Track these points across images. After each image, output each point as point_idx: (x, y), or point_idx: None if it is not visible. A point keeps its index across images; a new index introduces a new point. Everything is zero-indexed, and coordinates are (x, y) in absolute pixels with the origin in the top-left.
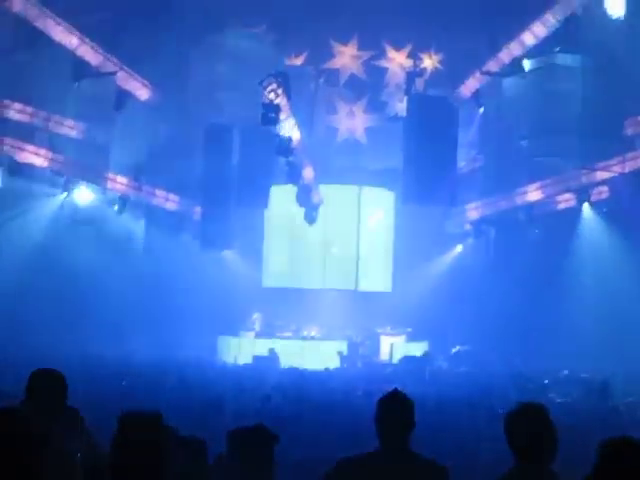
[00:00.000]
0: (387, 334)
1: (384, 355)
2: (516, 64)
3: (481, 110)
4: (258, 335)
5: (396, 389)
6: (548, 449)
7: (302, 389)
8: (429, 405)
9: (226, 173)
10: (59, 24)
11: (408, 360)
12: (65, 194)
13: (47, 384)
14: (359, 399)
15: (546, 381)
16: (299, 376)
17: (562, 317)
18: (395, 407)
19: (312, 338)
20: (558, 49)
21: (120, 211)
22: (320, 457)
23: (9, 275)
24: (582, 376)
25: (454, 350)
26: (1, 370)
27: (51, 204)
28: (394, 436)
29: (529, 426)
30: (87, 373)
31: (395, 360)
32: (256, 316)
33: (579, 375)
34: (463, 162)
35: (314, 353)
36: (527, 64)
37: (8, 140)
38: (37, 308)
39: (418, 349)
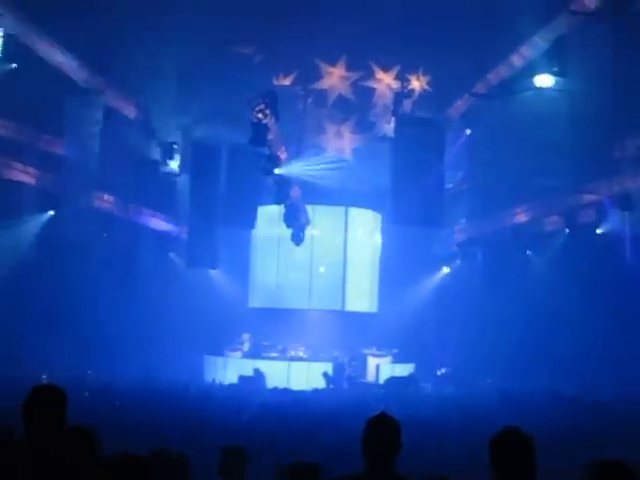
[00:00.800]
0: (374, 355)
1: (371, 376)
2: (504, 86)
3: (468, 132)
4: (245, 355)
5: (383, 411)
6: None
7: (287, 409)
8: (416, 427)
9: (213, 192)
10: (47, 42)
11: (394, 381)
12: (52, 212)
13: (48, 401)
14: (344, 420)
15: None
16: (284, 396)
17: (546, 337)
18: (382, 429)
19: (299, 359)
20: (547, 71)
21: (108, 230)
22: None
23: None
24: (570, 395)
25: (440, 372)
26: None
27: (39, 222)
28: (381, 458)
29: (511, 452)
30: (73, 394)
31: (381, 381)
32: (246, 337)
33: (567, 394)
34: (450, 184)
35: (300, 374)
36: (515, 86)
37: None
38: (25, 328)
39: (404, 370)
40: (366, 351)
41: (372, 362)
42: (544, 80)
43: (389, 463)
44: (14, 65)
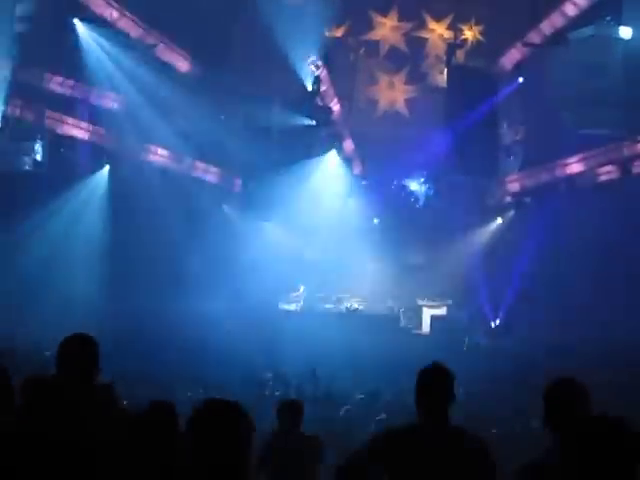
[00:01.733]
0: (428, 306)
1: (425, 327)
2: (558, 35)
3: (521, 80)
4: (301, 307)
5: (435, 362)
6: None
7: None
8: (470, 378)
9: (266, 144)
10: None
11: (447, 332)
12: (107, 167)
13: (79, 350)
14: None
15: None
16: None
17: (602, 289)
18: (435, 379)
19: (355, 310)
20: (601, 20)
21: (162, 182)
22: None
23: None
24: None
25: (494, 325)
26: None
27: (94, 177)
28: (434, 408)
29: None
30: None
31: (435, 332)
32: (301, 288)
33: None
34: (504, 134)
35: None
36: (570, 36)
37: (49, 113)
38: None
39: (457, 322)
40: (420, 302)
41: (427, 313)
42: (599, 29)
43: (442, 413)
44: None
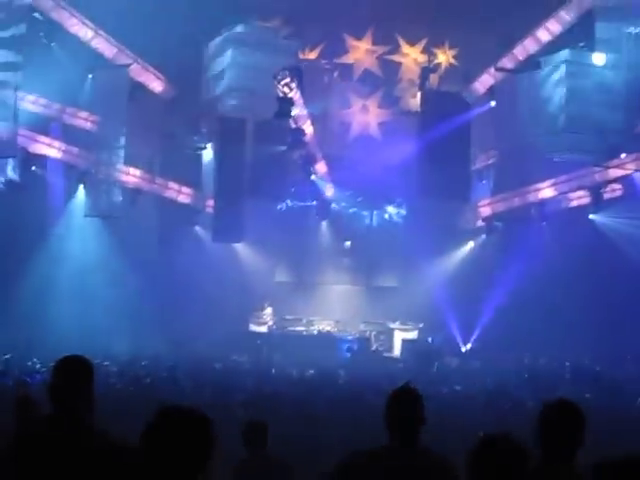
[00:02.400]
0: (400, 329)
1: (397, 350)
2: (531, 61)
3: (493, 104)
4: (271, 329)
5: (406, 383)
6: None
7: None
8: (441, 400)
9: (239, 166)
10: (74, 16)
11: (419, 356)
12: (81, 186)
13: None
14: (368, 394)
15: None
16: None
17: (570, 312)
18: (405, 401)
19: (327, 333)
20: (574, 46)
21: (133, 204)
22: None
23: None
24: (593, 371)
25: (465, 349)
26: None
27: (65, 196)
28: (404, 430)
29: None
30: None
31: (406, 356)
32: (268, 310)
33: (589, 370)
34: (476, 158)
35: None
36: (542, 61)
37: (22, 131)
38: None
39: (429, 345)
40: (392, 325)
41: (398, 336)
42: (571, 55)
43: (413, 435)
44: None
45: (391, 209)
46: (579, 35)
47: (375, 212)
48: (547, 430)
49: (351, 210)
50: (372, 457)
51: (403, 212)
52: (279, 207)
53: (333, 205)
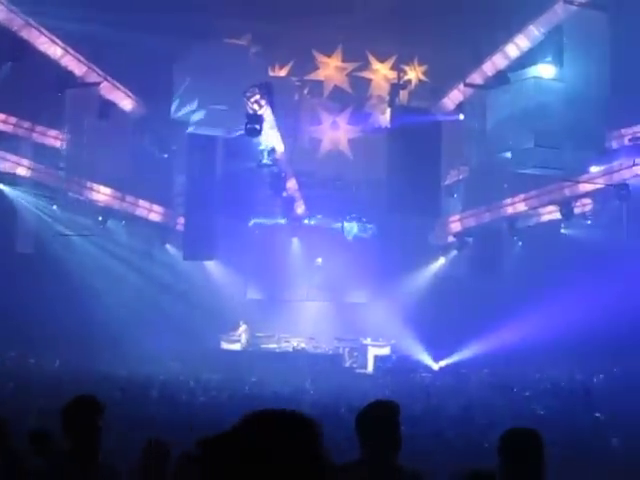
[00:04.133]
0: (373, 346)
1: (370, 367)
2: (500, 76)
3: (461, 117)
4: (244, 347)
5: (379, 400)
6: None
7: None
8: (415, 417)
9: (209, 184)
10: (43, 34)
11: (392, 373)
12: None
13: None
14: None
15: (527, 393)
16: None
17: (544, 329)
18: (378, 417)
19: (302, 350)
20: (542, 61)
21: (103, 222)
22: None
23: None
24: (562, 385)
25: (439, 367)
26: None
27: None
28: (377, 446)
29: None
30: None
31: (379, 372)
32: (242, 328)
33: (559, 384)
34: (446, 174)
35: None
36: (511, 77)
37: None
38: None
39: (403, 361)
40: (365, 342)
41: (371, 352)
42: (540, 70)
43: (386, 452)
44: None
45: (361, 225)
46: (547, 50)
47: (346, 229)
48: (508, 459)
49: (322, 227)
50: (343, 471)
51: (372, 228)
52: (250, 224)
53: (304, 222)
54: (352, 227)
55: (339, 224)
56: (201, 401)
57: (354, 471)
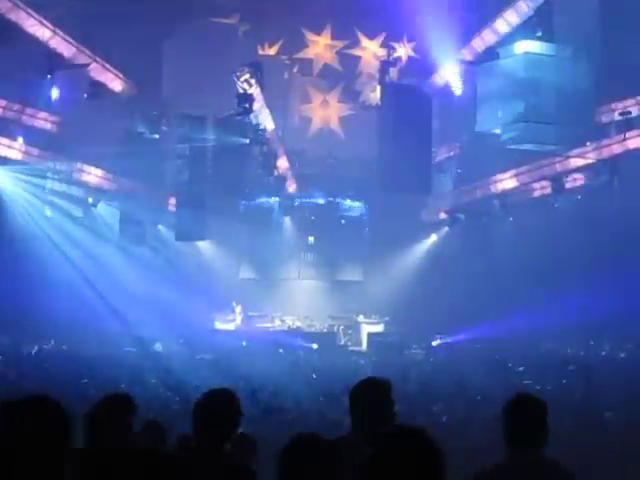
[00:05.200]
0: (367, 323)
1: (365, 344)
2: (490, 52)
3: (456, 92)
4: (239, 327)
5: (372, 377)
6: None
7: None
8: (408, 393)
9: (200, 164)
10: (31, 16)
11: (385, 349)
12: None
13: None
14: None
15: (521, 368)
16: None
17: (532, 302)
18: (370, 394)
19: (297, 328)
20: (532, 37)
21: (95, 203)
22: None
23: None
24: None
25: (435, 343)
26: None
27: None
28: (367, 421)
29: (526, 413)
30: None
31: (372, 349)
32: (238, 308)
33: (554, 358)
34: (437, 151)
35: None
36: (501, 52)
37: None
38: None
39: (394, 338)
40: (359, 319)
41: (364, 329)
42: (530, 46)
43: (376, 427)
44: None
45: (353, 203)
46: (537, 26)
47: (338, 206)
48: (511, 423)
49: (314, 205)
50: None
51: (365, 206)
52: (242, 204)
53: (296, 201)
54: (344, 205)
55: (331, 202)
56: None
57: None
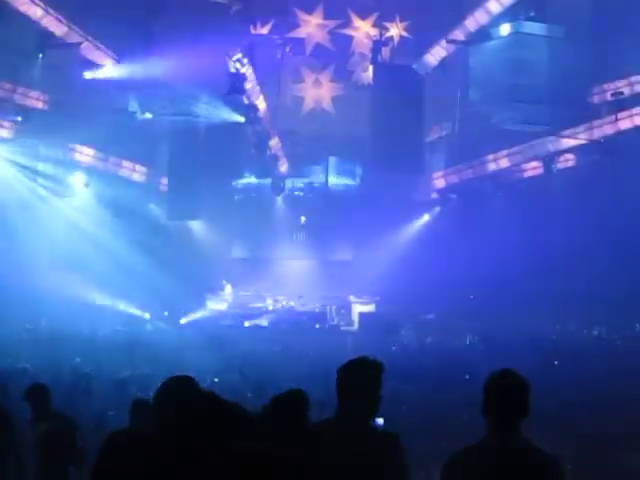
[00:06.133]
0: (358, 303)
1: (355, 324)
2: (482, 32)
3: (449, 72)
4: (231, 306)
5: (363, 356)
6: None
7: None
8: (398, 373)
9: (192, 143)
10: None
11: (375, 329)
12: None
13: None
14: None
15: (513, 346)
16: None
17: (528, 283)
18: (357, 373)
19: (290, 308)
20: (524, 17)
21: (87, 183)
22: None
23: None
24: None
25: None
26: None
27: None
28: (353, 402)
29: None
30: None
31: (363, 328)
32: (228, 287)
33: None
34: (429, 130)
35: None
36: (493, 33)
37: None
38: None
39: (384, 317)
40: (351, 299)
41: (355, 309)
42: (522, 26)
43: (361, 407)
44: None
45: (345, 181)
46: (529, 6)
47: (329, 186)
48: (493, 398)
49: (306, 185)
50: (318, 429)
51: (357, 186)
52: (234, 184)
53: (288, 181)
54: (336, 184)
55: (323, 181)
56: None
57: (325, 429)
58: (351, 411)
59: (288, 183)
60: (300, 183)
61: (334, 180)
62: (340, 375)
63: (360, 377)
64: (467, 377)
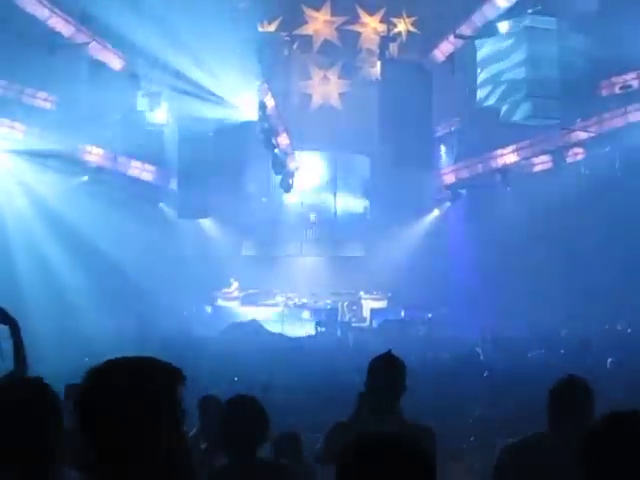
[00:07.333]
0: (369, 299)
1: (367, 320)
2: (490, 27)
3: (457, 67)
4: (242, 303)
5: (388, 351)
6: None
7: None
8: (414, 369)
9: (201, 141)
10: None
11: (388, 325)
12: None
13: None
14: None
15: (524, 343)
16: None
17: (538, 280)
18: (386, 369)
19: (302, 305)
20: (532, 11)
21: (96, 183)
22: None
23: None
24: (561, 335)
25: (430, 315)
26: None
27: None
28: (384, 399)
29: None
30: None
31: (375, 325)
32: (235, 284)
33: (557, 334)
34: (438, 125)
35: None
36: (501, 27)
37: None
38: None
39: (397, 314)
40: (363, 295)
41: (367, 306)
42: (531, 20)
43: (392, 404)
44: None
45: (353, 180)
46: (538, 0)
47: (339, 184)
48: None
49: (315, 182)
50: (352, 426)
51: (366, 183)
52: (243, 181)
53: (296, 177)
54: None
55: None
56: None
57: (365, 424)
58: (385, 407)
59: (297, 180)
60: (309, 180)
61: (343, 176)
62: (373, 370)
63: (393, 371)
64: (486, 374)
